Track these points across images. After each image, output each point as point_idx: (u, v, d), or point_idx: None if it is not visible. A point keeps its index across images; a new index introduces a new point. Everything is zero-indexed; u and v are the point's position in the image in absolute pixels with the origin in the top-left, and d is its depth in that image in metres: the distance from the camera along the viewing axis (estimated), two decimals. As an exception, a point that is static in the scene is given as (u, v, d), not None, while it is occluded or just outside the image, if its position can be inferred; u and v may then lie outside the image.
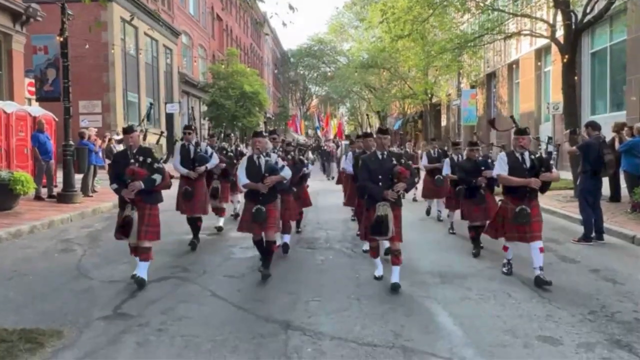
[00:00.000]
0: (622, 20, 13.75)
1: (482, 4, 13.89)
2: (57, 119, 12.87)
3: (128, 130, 5.59)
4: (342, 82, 37.50)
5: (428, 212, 10.21)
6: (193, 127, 7.74)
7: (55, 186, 12.00)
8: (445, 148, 11.44)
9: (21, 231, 8.20)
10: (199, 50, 31.89)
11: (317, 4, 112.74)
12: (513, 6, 14.86)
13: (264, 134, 6.14)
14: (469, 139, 12.15)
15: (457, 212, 7.79)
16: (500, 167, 5.58)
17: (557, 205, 10.48)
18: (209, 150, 7.62)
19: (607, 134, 9.49)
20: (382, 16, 15.55)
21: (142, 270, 5.42)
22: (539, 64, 19.14)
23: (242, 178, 5.72)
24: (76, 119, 17.39)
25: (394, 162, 5.27)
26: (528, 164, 5.53)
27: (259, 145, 5.73)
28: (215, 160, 7.62)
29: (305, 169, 7.89)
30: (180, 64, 28.22)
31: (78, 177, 12.03)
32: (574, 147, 8.30)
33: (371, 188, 5.30)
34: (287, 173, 5.85)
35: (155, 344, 4.01)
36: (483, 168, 6.83)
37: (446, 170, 8.20)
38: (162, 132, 8.74)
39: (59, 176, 11.92)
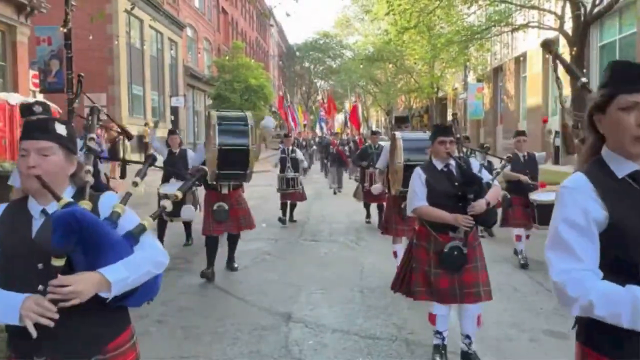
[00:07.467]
0: (632, 13, 13.53)
1: (489, -5, 13.72)
2: (61, 111, 12.82)
3: None
4: (347, 75, 37.32)
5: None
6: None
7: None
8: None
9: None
10: (204, 44, 31.81)
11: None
12: (521, -3, 14.67)
13: None
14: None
15: None
16: None
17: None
18: None
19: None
20: (388, 8, 15.39)
21: None
22: (546, 56, 18.93)
23: None
24: (81, 112, 17.36)
25: None
26: None
27: None
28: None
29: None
30: (185, 57, 28.15)
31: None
32: (577, 141, 8.15)
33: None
34: None
35: (155, 335, 3.97)
36: None
37: None
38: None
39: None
